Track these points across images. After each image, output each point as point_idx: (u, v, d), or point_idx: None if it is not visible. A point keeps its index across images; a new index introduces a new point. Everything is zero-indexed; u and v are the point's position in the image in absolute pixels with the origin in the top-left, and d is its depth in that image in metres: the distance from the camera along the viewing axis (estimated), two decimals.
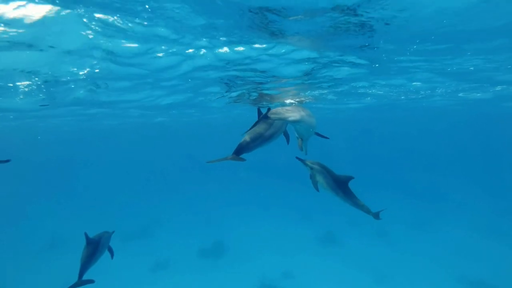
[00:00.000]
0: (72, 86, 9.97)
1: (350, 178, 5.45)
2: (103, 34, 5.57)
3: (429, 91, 14.86)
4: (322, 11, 4.79)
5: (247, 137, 5.14)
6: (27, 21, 4.77)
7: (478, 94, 16.09)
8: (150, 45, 6.41)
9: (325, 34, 5.86)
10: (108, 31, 5.44)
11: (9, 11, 4.49)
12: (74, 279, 5.40)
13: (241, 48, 6.81)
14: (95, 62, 7.37)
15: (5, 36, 5.27)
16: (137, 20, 5.05)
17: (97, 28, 5.29)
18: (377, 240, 17.56)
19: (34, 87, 9.59)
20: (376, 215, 5.62)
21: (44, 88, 9.82)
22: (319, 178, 5.73)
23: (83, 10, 4.62)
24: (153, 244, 18.29)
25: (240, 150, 5.04)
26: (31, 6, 4.41)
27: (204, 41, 6.33)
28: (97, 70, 8.13)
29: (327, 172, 5.64)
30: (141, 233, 19.87)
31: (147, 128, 35.36)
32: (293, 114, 5.43)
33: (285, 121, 5.53)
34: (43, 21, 4.79)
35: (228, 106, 17.15)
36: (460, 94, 15.98)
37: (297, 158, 6.05)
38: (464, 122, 42.73)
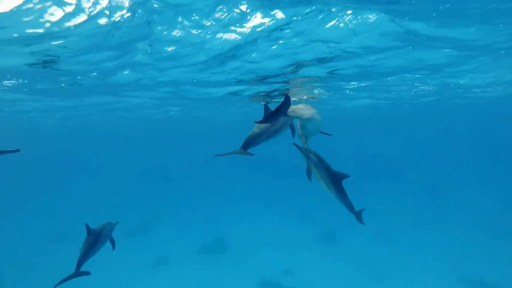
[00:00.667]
0: None
1: (345, 176, 5.31)
2: None
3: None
4: None
5: (254, 131, 5.18)
6: None
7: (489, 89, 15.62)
8: None
9: None
10: None
11: None
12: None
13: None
14: None
15: None
16: None
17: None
18: (377, 239, 17.56)
19: None
20: (359, 217, 5.54)
21: None
22: (314, 169, 5.66)
23: None
24: (154, 240, 18.36)
25: (248, 144, 5.07)
26: None
27: None
28: None
29: (321, 163, 5.54)
30: (142, 229, 19.96)
31: (149, 124, 35.38)
32: (307, 112, 5.61)
33: (300, 118, 5.68)
34: None
35: (239, 103, 16.97)
36: (459, 91, 15.77)
37: (294, 144, 5.93)
38: (465, 119, 42.53)
